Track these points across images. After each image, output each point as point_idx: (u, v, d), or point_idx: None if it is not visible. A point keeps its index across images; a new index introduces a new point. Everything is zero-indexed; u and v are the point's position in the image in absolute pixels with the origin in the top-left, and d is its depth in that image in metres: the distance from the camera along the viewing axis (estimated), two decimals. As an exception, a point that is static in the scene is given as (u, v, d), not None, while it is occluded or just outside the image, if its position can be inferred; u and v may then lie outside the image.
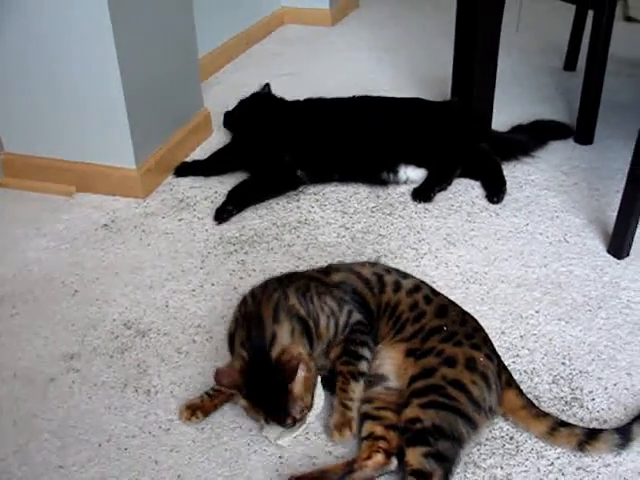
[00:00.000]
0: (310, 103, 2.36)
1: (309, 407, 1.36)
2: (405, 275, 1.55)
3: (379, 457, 1.29)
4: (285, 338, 1.34)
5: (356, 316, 1.44)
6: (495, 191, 2.15)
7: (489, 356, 1.38)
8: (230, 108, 2.46)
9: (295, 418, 1.32)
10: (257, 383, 1.30)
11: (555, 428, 1.34)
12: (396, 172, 2.19)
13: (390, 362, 1.41)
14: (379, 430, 1.33)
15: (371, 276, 1.51)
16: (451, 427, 1.26)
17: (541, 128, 2.46)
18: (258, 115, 2.37)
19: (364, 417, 1.37)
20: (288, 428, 1.34)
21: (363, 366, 1.40)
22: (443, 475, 1.22)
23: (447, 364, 1.33)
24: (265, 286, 1.46)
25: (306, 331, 1.38)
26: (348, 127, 2.24)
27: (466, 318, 1.47)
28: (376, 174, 2.20)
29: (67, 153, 2.16)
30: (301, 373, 1.31)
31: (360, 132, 2.22)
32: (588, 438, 1.32)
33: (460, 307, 1.50)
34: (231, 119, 2.46)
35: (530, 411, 1.37)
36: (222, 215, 2.06)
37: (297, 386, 1.31)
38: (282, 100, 2.43)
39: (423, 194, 2.14)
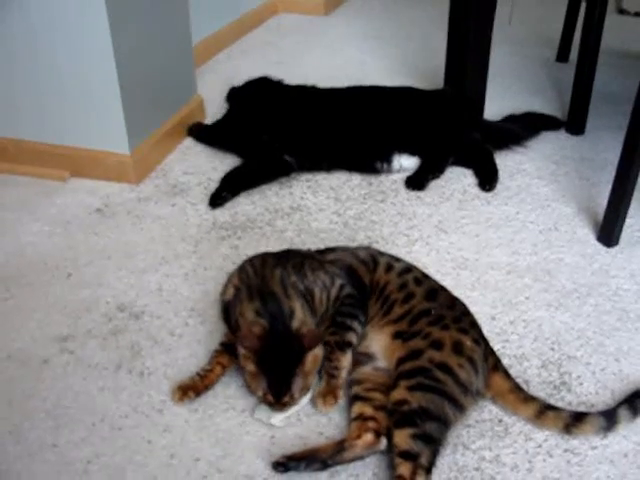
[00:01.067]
0: (305, 90, 2.38)
1: (307, 389, 1.38)
2: (398, 259, 1.58)
3: (369, 437, 1.31)
4: (300, 313, 1.38)
5: (347, 289, 1.47)
6: (488, 179, 2.17)
7: (476, 340, 1.39)
8: (237, 84, 2.49)
9: (293, 396, 1.34)
10: (273, 350, 1.33)
11: (542, 411, 1.36)
12: (390, 162, 2.20)
13: (378, 344, 1.44)
14: (369, 411, 1.35)
15: (365, 255, 1.54)
16: (438, 409, 1.27)
17: (533, 119, 2.48)
18: (257, 97, 2.39)
19: (354, 398, 1.39)
20: (282, 409, 1.36)
21: (351, 337, 1.42)
22: (430, 455, 1.24)
23: (434, 347, 1.35)
24: (264, 261, 1.49)
25: (307, 307, 1.41)
26: (340, 116, 2.25)
27: (455, 303, 1.48)
28: (369, 164, 2.22)
29: (61, 138, 2.16)
30: (316, 350, 1.35)
31: (352, 121, 2.24)
32: (574, 421, 1.34)
33: (450, 292, 1.52)
34: (234, 95, 2.48)
35: (518, 395, 1.38)
36: (216, 200, 2.07)
37: (309, 360, 1.34)
38: (285, 86, 2.44)
39: (416, 182, 2.15)
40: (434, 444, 1.25)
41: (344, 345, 1.41)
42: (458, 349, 1.35)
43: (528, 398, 1.38)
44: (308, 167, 2.24)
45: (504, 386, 1.39)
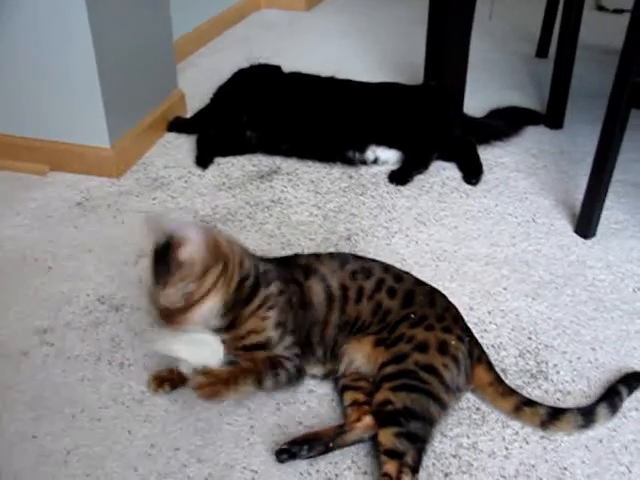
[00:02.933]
0: (288, 74, 2.41)
1: (195, 315, 1.27)
2: (369, 271, 1.46)
3: (368, 419, 1.32)
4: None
5: (297, 349, 1.38)
6: (472, 173, 2.19)
7: (460, 337, 1.39)
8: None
9: (170, 298, 1.24)
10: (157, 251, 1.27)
11: (520, 407, 1.36)
12: (363, 151, 2.21)
13: (360, 355, 1.41)
14: (361, 397, 1.36)
15: (337, 289, 1.42)
16: (422, 408, 1.28)
17: (516, 113, 2.50)
18: (244, 81, 2.42)
19: (343, 389, 1.40)
20: (167, 324, 1.27)
21: (268, 384, 1.34)
22: (416, 455, 1.24)
23: (419, 350, 1.34)
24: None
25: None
26: (314, 101, 2.28)
27: (435, 297, 1.47)
28: (340, 152, 2.23)
29: (41, 132, 2.16)
30: (194, 254, 1.24)
31: (325, 108, 2.26)
32: (551, 418, 1.34)
33: (428, 285, 1.51)
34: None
35: (497, 388, 1.39)
36: (204, 161, 2.20)
37: (188, 262, 1.23)
38: (275, 71, 2.46)
39: (400, 177, 2.17)
40: (419, 443, 1.25)
41: (257, 382, 1.32)
42: (443, 349, 1.35)
43: (507, 392, 1.38)
44: (267, 146, 2.28)
45: (485, 379, 1.40)
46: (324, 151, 2.24)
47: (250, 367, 1.32)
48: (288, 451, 1.30)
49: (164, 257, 1.24)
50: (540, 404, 1.36)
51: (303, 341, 1.39)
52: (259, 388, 1.33)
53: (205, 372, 1.29)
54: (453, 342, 1.36)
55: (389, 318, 1.41)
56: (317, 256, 1.50)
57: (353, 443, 1.32)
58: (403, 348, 1.35)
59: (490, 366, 1.42)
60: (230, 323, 1.33)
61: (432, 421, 1.29)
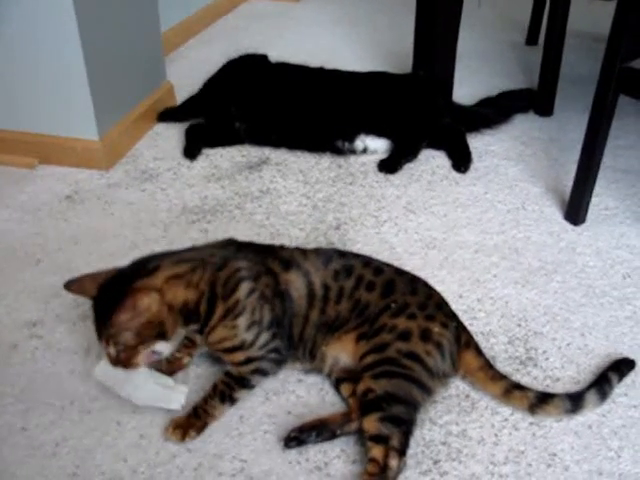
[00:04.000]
0: (276, 65, 2.41)
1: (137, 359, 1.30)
2: (350, 269, 1.43)
3: None
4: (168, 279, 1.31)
5: (276, 343, 1.36)
6: (462, 161, 2.19)
7: (444, 324, 1.38)
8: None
9: (108, 348, 1.29)
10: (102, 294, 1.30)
11: (509, 391, 1.36)
12: (352, 141, 2.21)
13: (344, 354, 1.40)
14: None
15: (319, 288, 1.40)
16: (405, 392, 1.28)
17: (506, 98, 2.49)
18: (231, 72, 2.42)
19: (337, 382, 1.41)
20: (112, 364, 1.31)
21: (240, 394, 1.36)
22: (401, 437, 1.25)
23: (401, 338, 1.33)
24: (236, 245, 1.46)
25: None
26: (301, 91, 2.28)
27: (416, 285, 1.45)
28: (328, 142, 2.23)
29: (29, 125, 2.15)
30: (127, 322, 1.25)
31: (312, 98, 2.26)
32: (539, 402, 1.35)
33: (409, 274, 1.49)
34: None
35: (487, 373, 1.39)
36: (192, 152, 2.22)
37: (125, 317, 1.25)
38: (262, 61, 2.46)
39: (389, 166, 2.17)
40: (404, 426, 1.26)
41: (228, 399, 1.35)
42: (426, 336, 1.34)
43: (496, 377, 1.39)
44: (256, 137, 2.28)
45: (474, 364, 1.40)
46: (313, 141, 2.24)
47: (213, 392, 1.35)
48: (297, 438, 1.30)
49: (104, 314, 1.27)
50: (529, 388, 1.37)
51: (287, 332, 1.38)
52: (233, 404, 1.36)
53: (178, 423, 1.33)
54: (436, 329, 1.36)
55: (369, 311, 1.39)
56: (303, 251, 1.47)
57: (358, 431, 1.32)
58: (385, 338, 1.34)
59: (479, 351, 1.42)
60: (200, 330, 1.34)
61: (416, 405, 1.30)
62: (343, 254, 1.49)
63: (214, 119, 2.31)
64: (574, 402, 1.35)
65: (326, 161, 2.22)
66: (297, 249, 1.49)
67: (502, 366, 1.47)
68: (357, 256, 1.51)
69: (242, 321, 1.31)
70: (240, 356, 1.34)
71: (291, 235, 1.87)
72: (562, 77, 2.46)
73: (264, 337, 1.34)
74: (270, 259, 1.41)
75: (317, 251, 1.49)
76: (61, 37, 1.97)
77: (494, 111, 2.43)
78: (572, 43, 2.45)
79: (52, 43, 1.98)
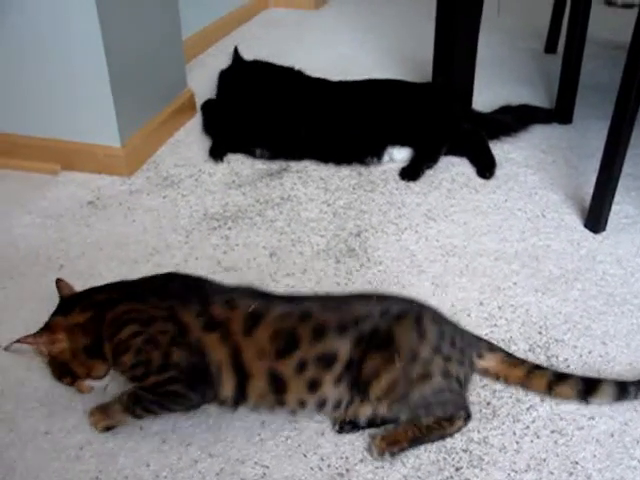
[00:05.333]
0: (294, 77, 2.42)
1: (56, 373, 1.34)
2: (322, 329, 1.28)
3: None
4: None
5: (175, 387, 1.27)
6: (486, 167, 2.20)
7: (460, 361, 1.34)
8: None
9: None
10: None
11: (531, 372, 1.39)
12: (380, 156, 2.22)
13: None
14: None
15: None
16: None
17: (526, 111, 2.49)
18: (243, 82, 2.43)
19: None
20: None
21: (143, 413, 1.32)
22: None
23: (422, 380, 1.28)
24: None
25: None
26: (324, 106, 2.28)
27: (408, 326, 1.31)
28: (357, 158, 2.23)
29: (52, 132, 2.17)
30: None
31: (336, 114, 2.26)
32: (557, 379, 1.38)
33: (390, 312, 1.32)
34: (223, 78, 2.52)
35: (508, 362, 1.42)
36: (217, 155, 2.26)
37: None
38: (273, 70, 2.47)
39: (411, 173, 2.17)
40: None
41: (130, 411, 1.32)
42: (446, 374, 1.31)
43: (517, 362, 1.42)
44: (279, 154, 2.28)
45: (494, 362, 1.42)
46: (340, 158, 2.23)
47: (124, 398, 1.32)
48: (352, 422, 1.33)
49: None
50: (547, 368, 1.41)
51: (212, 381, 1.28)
52: (134, 416, 1.33)
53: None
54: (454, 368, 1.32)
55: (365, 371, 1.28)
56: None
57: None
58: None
59: (493, 349, 1.43)
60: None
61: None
62: (300, 301, 1.34)
63: (237, 142, 2.32)
64: (587, 386, 1.37)
65: (346, 169, 2.22)
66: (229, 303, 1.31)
67: (523, 374, 1.47)
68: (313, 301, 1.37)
69: (126, 359, 1.27)
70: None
71: (312, 242, 1.88)
72: (581, 84, 2.45)
73: (153, 379, 1.26)
74: (189, 312, 1.27)
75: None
76: (85, 45, 1.99)
77: (513, 119, 2.43)
78: (591, 50, 2.44)
79: (76, 50, 2.01)
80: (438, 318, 1.36)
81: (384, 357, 1.27)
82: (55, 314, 1.33)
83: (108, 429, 1.35)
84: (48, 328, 1.31)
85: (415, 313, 1.32)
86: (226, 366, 1.26)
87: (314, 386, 1.27)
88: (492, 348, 1.43)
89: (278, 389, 1.27)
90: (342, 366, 1.26)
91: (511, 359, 1.42)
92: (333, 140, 2.23)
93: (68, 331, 1.29)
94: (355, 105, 2.29)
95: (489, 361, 1.42)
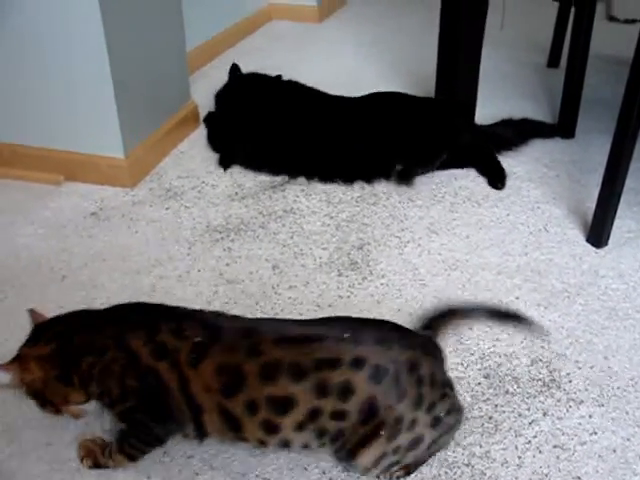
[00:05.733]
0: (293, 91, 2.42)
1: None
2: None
3: None
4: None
5: (141, 416, 1.22)
6: (497, 177, 2.22)
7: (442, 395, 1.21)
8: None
9: None
10: None
11: None
12: (389, 176, 2.22)
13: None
14: None
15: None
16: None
17: (528, 125, 2.50)
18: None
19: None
20: None
21: (135, 452, 1.28)
22: None
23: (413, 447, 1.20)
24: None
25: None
26: (330, 126, 2.28)
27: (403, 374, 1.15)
28: (366, 180, 2.22)
29: (56, 142, 2.18)
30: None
31: (342, 135, 2.25)
32: None
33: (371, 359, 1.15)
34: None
35: None
36: (226, 164, 2.29)
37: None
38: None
39: (405, 176, 2.19)
40: None
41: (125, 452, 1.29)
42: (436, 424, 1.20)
43: None
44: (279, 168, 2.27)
45: None
46: (348, 178, 2.23)
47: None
48: None
49: None
50: None
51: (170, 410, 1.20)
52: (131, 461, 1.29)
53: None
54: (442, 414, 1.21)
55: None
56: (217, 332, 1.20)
57: None
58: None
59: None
60: None
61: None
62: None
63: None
64: None
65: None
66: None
67: (525, 388, 1.47)
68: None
69: (93, 389, 1.23)
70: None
71: (314, 255, 1.88)
72: (583, 99, 2.45)
73: (118, 408, 1.22)
74: (138, 339, 1.20)
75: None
76: (90, 56, 2.00)
77: (514, 133, 2.43)
78: (593, 65, 2.45)
79: (81, 62, 2.01)
80: (416, 359, 1.17)
81: (363, 423, 1.14)
82: (24, 344, 1.27)
83: (97, 467, 1.32)
84: (19, 358, 1.25)
85: (394, 366, 1.13)
86: (179, 397, 1.17)
87: (271, 429, 1.14)
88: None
89: (232, 427, 1.16)
90: (304, 414, 1.12)
91: None
92: (340, 163, 2.22)
93: (37, 361, 1.23)
94: (360, 123, 2.28)
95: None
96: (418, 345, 1.20)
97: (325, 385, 1.11)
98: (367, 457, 1.17)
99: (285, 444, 1.17)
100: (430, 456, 1.29)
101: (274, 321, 1.41)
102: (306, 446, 1.18)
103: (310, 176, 2.23)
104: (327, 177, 2.22)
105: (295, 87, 2.44)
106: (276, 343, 1.14)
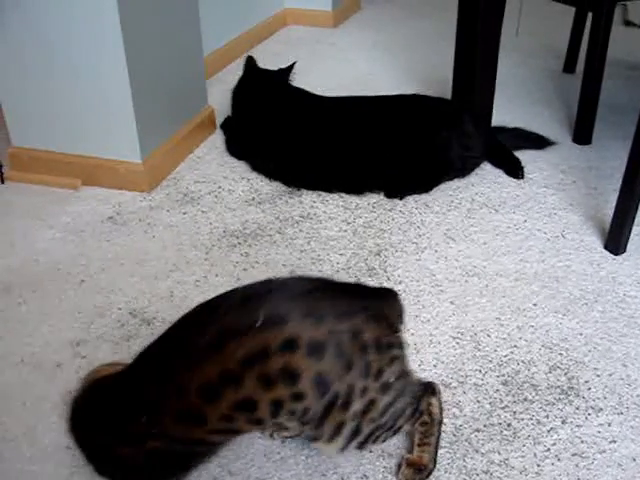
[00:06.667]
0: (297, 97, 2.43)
1: None
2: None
3: None
4: None
5: None
6: (515, 166, 2.26)
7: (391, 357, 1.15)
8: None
9: None
10: None
11: None
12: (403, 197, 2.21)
13: None
14: None
15: None
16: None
17: (519, 135, 2.47)
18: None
19: None
20: None
21: None
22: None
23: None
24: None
25: None
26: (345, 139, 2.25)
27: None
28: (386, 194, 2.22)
29: (73, 147, 2.20)
30: None
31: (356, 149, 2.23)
32: None
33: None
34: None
35: None
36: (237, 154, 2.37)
37: None
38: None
39: (398, 193, 2.19)
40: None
41: None
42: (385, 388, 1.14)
43: None
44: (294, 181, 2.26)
45: None
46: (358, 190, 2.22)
47: None
48: None
49: None
50: None
51: None
52: None
53: None
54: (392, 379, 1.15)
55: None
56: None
57: None
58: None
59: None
60: None
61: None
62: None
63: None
64: None
65: (365, 186, 2.23)
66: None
67: (543, 395, 1.47)
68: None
69: None
70: None
71: (332, 260, 1.88)
72: (600, 105, 2.45)
73: None
74: None
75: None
76: (108, 62, 2.01)
77: (505, 140, 2.41)
78: (609, 71, 2.44)
79: (98, 67, 2.03)
80: (356, 325, 1.09)
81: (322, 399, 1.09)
82: None
83: None
84: None
85: (332, 338, 1.06)
86: None
87: (256, 422, 1.11)
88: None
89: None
90: (269, 407, 1.07)
91: None
92: (332, 172, 2.21)
93: None
94: (360, 134, 2.23)
95: None
96: (357, 310, 1.11)
97: (267, 377, 1.04)
98: (328, 427, 1.12)
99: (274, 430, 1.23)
100: (395, 426, 1.21)
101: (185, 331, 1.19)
102: (287, 429, 1.16)
103: (317, 188, 2.22)
104: (329, 188, 2.22)
105: (304, 95, 2.42)
106: (194, 365, 1.07)
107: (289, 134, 2.27)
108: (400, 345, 1.17)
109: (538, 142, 2.48)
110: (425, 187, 2.21)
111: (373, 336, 1.10)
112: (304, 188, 2.21)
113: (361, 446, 1.18)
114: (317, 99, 2.40)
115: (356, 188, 2.20)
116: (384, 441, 1.22)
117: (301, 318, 1.06)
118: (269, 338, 1.04)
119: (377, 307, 1.16)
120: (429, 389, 1.29)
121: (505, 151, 2.32)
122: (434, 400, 1.29)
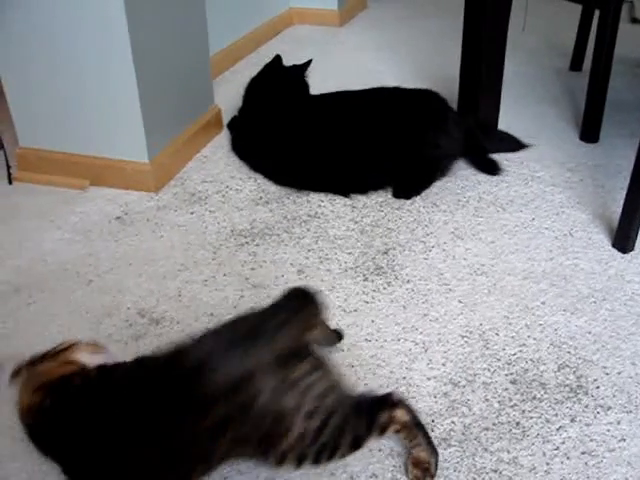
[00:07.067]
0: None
1: None
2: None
3: None
4: None
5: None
6: (491, 167, 2.28)
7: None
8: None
9: None
10: None
11: None
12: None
13: None
14: None
15: None
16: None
17: (499, 137, 2.47)
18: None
19: None
20: None
21: None
22: None
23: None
24: None
25: None
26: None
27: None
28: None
29: (81, 148, 2.20)
30: None
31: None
32: None
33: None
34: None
35: None
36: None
37: None
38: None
39: (406, 193, 2.20)
40: None
41: None
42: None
43: None
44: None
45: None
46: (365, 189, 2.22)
47: None
48: None
49: None
50: None
51: None
52: None
53: None
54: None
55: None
56: None
57: None
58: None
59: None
60: None
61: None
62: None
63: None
64: None
65: (373, 186, 2.23)
66: None
67: (552, 393, 1.47)
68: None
69: None
70: None
71: (339, 259, 1.88)
72: (607, 103, 2.44)
73: None
74: None
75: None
76: (114, 61, 2.01)
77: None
78: (615, 68, 2.43)
79: (105, 67, 2.03)
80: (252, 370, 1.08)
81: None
82: None
83: None
84: None
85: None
86: None
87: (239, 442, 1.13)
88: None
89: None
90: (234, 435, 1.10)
91: None
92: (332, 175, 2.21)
93: None
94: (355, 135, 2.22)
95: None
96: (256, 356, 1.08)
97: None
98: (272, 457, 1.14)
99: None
100: (341, 444, 1.16)
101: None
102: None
103: (320, 190, 2.21)
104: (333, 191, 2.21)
105: (319, 100, 2.42)
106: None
107: (284, 134, 2.27)
108: (316, 367, 1.15)
109: (515, 146, 2.44)
110: (418, 189, 2.21)
111: (279, 377, 1.10)
112: (293, 188, 2.21)
113: (316, 466, 1.18)
114: (314, 98, 2.42)
115: (343, 189, 2.19)
116: (342, 457, 1.19)
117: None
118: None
119: (281, 340, 1.10)
120: (387, 403, 1.24)
121: (476, 148, 2.31)
122: (397, 412, 1.23)
